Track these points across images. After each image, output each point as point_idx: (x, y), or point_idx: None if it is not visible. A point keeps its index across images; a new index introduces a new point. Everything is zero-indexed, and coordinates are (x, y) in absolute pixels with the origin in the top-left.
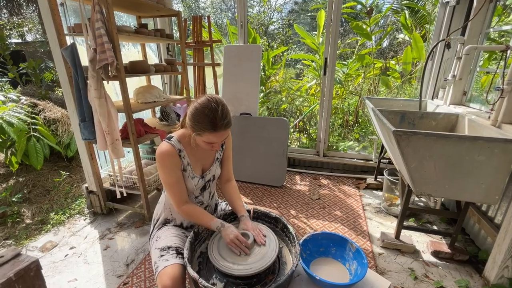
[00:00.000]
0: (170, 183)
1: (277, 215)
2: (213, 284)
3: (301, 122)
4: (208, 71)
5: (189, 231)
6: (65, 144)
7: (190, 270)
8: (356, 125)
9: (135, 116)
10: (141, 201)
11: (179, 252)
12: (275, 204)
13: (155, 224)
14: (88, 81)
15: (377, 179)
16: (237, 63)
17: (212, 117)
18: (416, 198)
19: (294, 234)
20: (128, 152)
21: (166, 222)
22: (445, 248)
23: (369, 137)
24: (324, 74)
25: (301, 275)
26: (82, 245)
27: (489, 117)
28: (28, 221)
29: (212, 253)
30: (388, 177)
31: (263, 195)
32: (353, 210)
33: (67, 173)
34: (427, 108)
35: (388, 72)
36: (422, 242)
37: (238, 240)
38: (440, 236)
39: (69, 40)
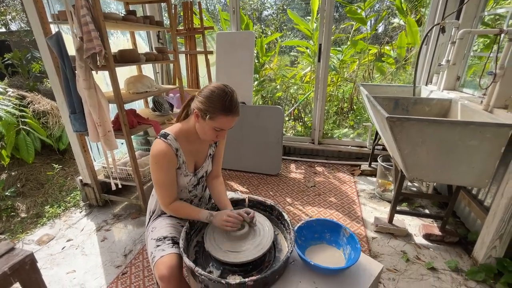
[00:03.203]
0: (162, 183)
1: (272, 203)
2: (210, 272)
3: (296, 110)
4: (201, 59)
5: (184, 221)
6: (56, 137)
7: (186, 260)
8: (351, 112)
9: (127, 106)
10: (137, 192)
11: (175, 242)
12: (271, 193)
13: (150, 216)
14: (76, 72)
15: (371, 166)
16: (230, 50)
17: (228, 100)
18: (409, 184)
19: (289, 221)
20: (122, 143)
21: (162, 213)
22: (436, 231)
23: (364, 124)
24: (319, 61)
25: (296, 261)
26: (79, 237)
27: (482, 102)
28: (23, 215)
29: (208, 242)
30: (382, 163)
31: (259, 184)
32: (348, 196)
33: (60, 166)
34: (421, 94)
35: (382, 58)
36: (414, 225)
37: (230, 218)
38: (431, 220)
39: (54, 29)
